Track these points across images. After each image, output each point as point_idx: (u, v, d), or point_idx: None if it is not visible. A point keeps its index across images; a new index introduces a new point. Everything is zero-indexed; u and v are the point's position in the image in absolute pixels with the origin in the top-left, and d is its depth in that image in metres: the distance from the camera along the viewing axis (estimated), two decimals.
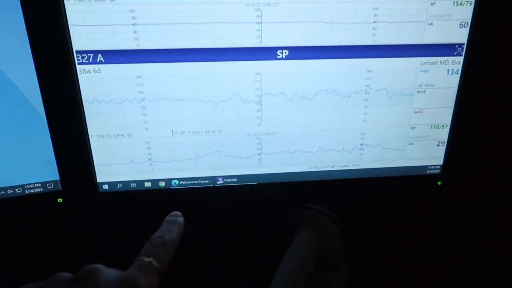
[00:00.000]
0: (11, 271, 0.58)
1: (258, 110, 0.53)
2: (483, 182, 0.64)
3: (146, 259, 0.27)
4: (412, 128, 0.56)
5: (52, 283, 0.25)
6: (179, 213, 0.32)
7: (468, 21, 0.51)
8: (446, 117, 0.56)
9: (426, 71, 0.53)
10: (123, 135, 0.52)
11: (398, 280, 0.66)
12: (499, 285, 0.67)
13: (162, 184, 0.56)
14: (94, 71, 0.48)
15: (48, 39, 0.46)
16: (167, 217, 0.32)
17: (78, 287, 0.24)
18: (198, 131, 0.53)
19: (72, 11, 0.45)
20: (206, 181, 0.56)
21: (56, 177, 0.53)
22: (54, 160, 0.52)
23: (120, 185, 0.55)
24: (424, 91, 0.54)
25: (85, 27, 0.46)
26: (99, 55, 0.48)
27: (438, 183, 0.60)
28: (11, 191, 0.52)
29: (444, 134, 0.57)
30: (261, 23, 0.48)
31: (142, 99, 0.50)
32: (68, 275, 0.25)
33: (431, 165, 0.59)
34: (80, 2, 0.45)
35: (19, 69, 0.47)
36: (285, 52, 0.50)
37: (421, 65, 0.52)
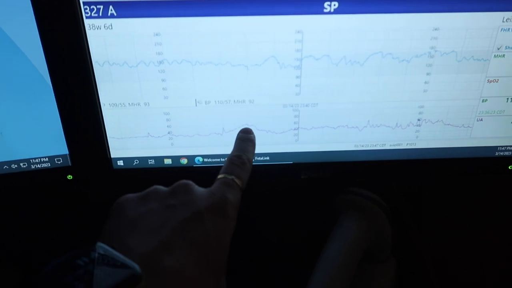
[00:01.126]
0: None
1: (297, 77, 0.45)
2: None
3: (229, 177, 0.29)
4: (483, 100, 0.47)
5: (152, 192, 0.27)
6: (250, 129, 0.34)
7: None
8: None
9: (508, 30, 0.43)
10: (138, 104, 0.46)
11: (449, 277, 0.59)
12: None
13: (184, 161, 0.50)
14: (104, 26, 0.42)
15: None
16: (240, 134, 0.33)
17: (176, 196, 0.27)
18: (226, 101, 0.46)
19: None
20: None
21: (65, 151, 0.48)
22: (62, 132, 0.46)
23: (136, 161, 0.49)
24: (504, 55, 0.45)
25: None
26: (111, 7, 0.41)
27: (509, 167, 0.52)
28: (15, 165, 0.47)
29: None
30: None
31: (161, 62, 0.43)
32: (164, 187, 0.28)
33: (502, 146, 0.50)
34: None
35: (18, 25, 0.41)
36: (334, 4, 0.41)
37: (503, 21, 0.43)
